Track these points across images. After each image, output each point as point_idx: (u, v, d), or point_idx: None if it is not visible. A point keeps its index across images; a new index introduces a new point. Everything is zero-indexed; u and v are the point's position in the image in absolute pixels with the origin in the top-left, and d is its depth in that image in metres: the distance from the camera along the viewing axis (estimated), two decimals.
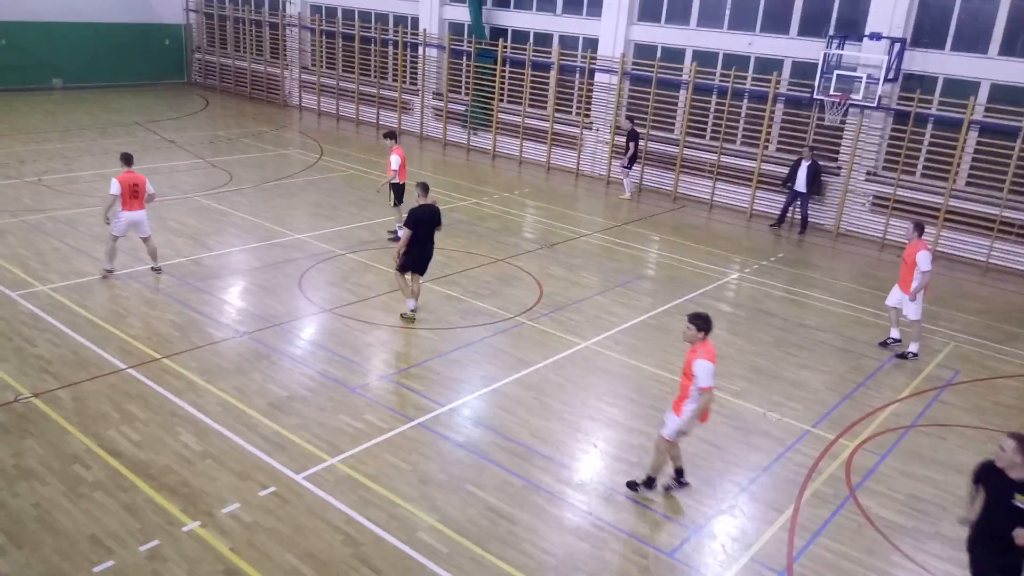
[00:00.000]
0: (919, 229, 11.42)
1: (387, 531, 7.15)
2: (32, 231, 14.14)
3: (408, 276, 11.55)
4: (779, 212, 18.41)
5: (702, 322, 7.37)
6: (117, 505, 7.23)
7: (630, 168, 19.94)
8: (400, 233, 14.55)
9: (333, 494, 7.58)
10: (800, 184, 17.79)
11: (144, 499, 7.34)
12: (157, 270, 12.68)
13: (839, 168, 18.23)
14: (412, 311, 11.61)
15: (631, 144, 19.62)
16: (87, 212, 15.26)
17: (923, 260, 11.12)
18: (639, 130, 20.01)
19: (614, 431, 9.21)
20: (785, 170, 18.67)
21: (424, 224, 11.22)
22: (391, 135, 15.08)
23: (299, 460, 8.08)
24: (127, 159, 12.29)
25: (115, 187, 11.95)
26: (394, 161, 14.57)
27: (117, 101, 27.62)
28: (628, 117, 20.14)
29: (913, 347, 11.65)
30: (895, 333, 11.99)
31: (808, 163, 17.65)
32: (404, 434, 8.71)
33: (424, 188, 11.41)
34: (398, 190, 14.85)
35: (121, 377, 9.46)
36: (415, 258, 11.36)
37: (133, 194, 12.08)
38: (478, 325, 11.64)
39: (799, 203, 18.03)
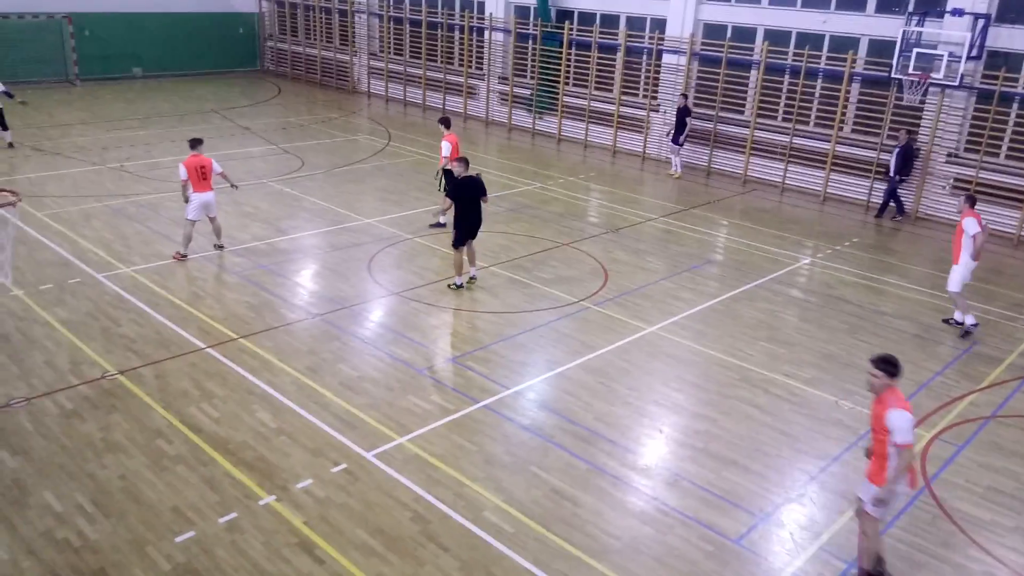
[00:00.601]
0: (970, 200, 11.43)
1: (454, 510, 7.28)
2: (115, 215, 14.75)
3: (463, 249, 12.11)
4: (894, 204, 17.51)
5: (890, 366, 6.27)
6: (197, 478, 7.55)
7: (681, 145, 19.82)
8: (443, 219, 14.75)
9: (402, 472, 7.76)
10: (891, 167, 17.12)
11: (223, 473, 7.64)
12: (220, 247, 13.24)
13: (918, 150, 17.59)
14: (458, 286, 12.18)
15: (687, 120, 19.55)
16: (168, 196, 15.84)
17: (969, 225, 11.13)
18: (692, 107, 19.90)
19: (679, 416, 9.16)
20: (862, 152, 18.16)
21: (469, 195, 11.77)
22: (445, 121, 15.20)
23: (369, 439, 8.28)
24: (194, 143, 12.79)
25: (182, 172, 12.51)
26: (445, 148, 14.69)
27: (194, 89, 28.48)
28: (683, 94, 19.94)
29: (968, 319, 11.59)
30: (958, 316, 11.87)
31: (900, 146, 16.90)
32: (470, 416, 8.84)
33: (464, 162, 11.97)
34: (450, 176, 14.92)
35: (201, 356, 9.83)
36: (466, 230, 11.92)
37: (201, 176, 12.57)
38: (543, 309, 11.69)
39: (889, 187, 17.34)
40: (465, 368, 9.94)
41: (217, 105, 25.81)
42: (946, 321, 12.01)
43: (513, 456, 8.17)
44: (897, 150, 16.99)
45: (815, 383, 10.01)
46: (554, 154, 22.19)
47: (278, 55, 32.91)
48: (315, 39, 31.01)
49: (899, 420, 6.10)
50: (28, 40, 26.98)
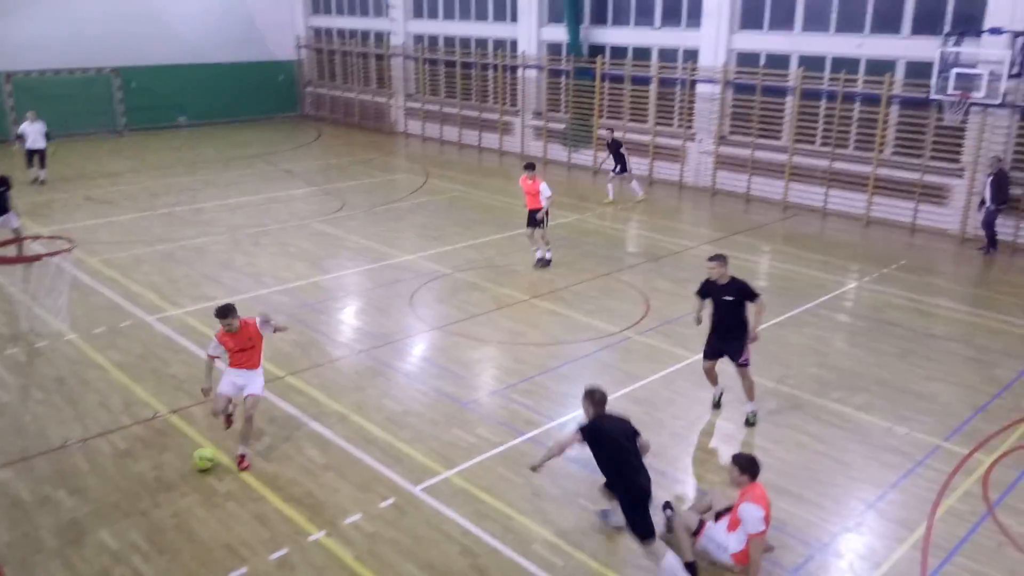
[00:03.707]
0: None
1: (503, 543, 7.22)
2: (164, 259, 15.10)
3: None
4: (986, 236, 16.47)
5: None
6: (248, 515, 7.61)
7: (619, 174, 19.95)
8: (548, 255, 14.80)
9: (449, 506, 7.73)
10: (986, 197, 16.04)
11: (272, 510, 7.69)
12: (242, 462, 8.34)
13: (961, 170, 17.30)
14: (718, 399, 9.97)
15: (621, 151, 19.80)
16: (213, 240, 16.21)
17: None
18: (621, 140, 20.40)
19: (729, 446, 9.00)
20: (905, 174, 17.94)
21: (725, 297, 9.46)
22: (530, 166, 14.80)
23: (416, 473, 8.28)
24: (224, 311, 8.36)
25: (213, 347, 8.49)
26: (545, 188, 14.44)
27: (237, 135, 29.22)
28: (608, 128, 20.54)
29: None
30: None
31: (992, 173, 15.94)
32: (516, 448, 8.80)
33: (721, 259, 9.31)
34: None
35: None
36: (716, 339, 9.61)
37: (240, 347, 8.46)
38: (585, 340, 11.64)
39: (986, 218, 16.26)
40: (509, 401, 9.91)
41: (260, 150, 26.43)
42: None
43: (561, 488, 8.09)
44: (990, 178, 15.99)
45: (868, 409, 9.78)
46: (590, 186, 22.24)
47: (317, 100, 33.68)
48: (353, 83, 31.69)
49: None
50: (78, 94, 27.96)
